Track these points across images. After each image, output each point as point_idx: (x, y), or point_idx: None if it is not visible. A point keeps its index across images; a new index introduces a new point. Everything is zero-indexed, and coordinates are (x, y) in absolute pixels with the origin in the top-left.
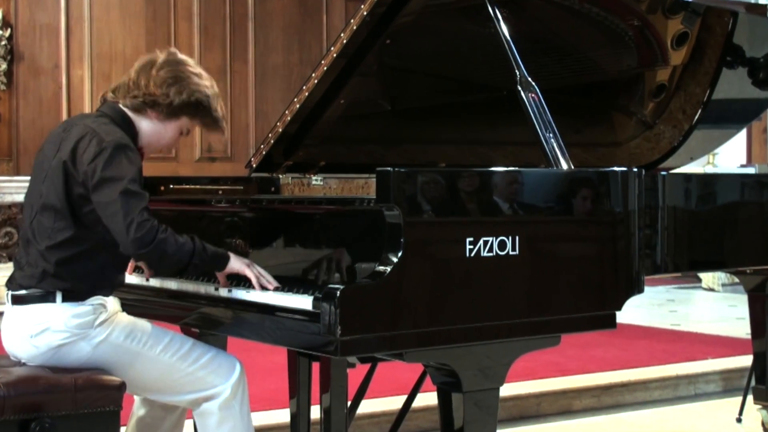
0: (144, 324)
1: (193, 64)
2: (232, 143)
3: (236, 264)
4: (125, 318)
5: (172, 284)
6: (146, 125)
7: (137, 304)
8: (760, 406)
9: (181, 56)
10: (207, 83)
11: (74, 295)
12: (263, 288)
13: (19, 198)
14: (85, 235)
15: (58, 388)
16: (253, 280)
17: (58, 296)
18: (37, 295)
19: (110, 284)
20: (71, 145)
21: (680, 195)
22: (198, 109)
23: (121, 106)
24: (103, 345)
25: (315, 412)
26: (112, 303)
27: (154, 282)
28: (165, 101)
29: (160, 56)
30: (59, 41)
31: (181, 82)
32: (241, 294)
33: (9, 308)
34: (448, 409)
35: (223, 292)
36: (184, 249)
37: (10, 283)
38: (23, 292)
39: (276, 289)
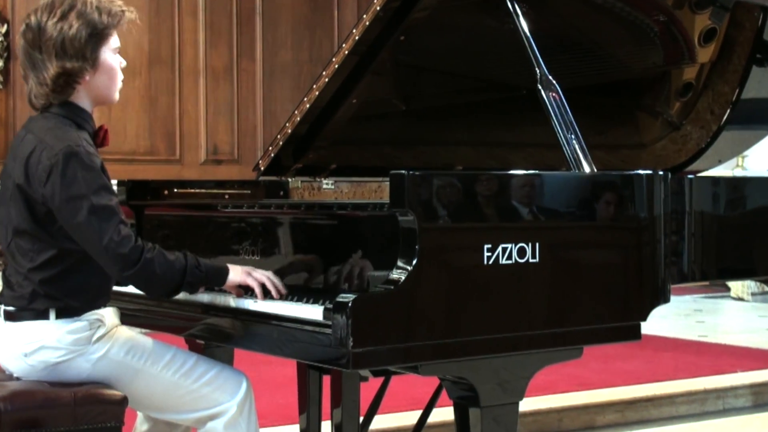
0: (145, 339)
1: (46, 13)
2: (239, 145)
3: (237, 276)
4: (125, 332)
5: None
6: (90, 91)
7: (138, 314)
8: None
9: (33, 16)
10: (76, 4)
11: (68, 311)
12: (268, 296)
13: None
14: (67, 250)
15: (56, 402)
16: (257, 290)
17: (52, 314)
18: (30, 311)
19: (104, 294)
20: (23, 163)
21: (708, 199)
22: (98, 29)
23: (55, 100)
24: (102, 362)
25: (326, 428)
26: (111, 316)
27: None
28: (78, 61)
29: (22, 40)
30: None
31: (63, 37)
32: (247, 304)
33: (2, 324)
34: (465, 425)
35: (229, 302)
36: (175, 268)
37: (2, 298)
38: (15, 308)
39: (284, 298)
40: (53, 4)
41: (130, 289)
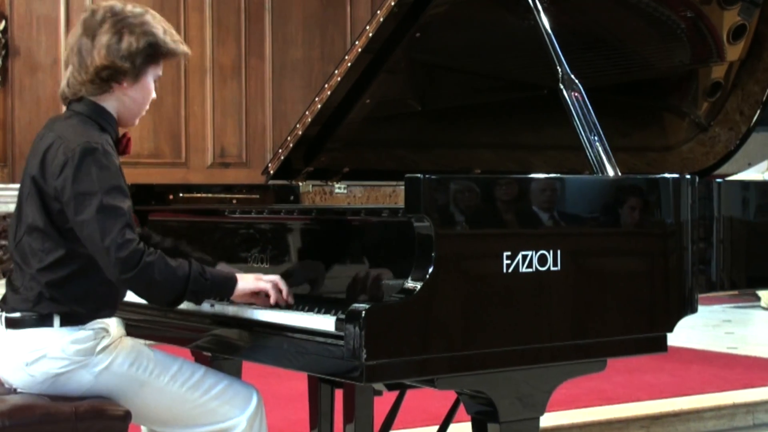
0: (150, 350)
1: (119, 6)
2: (248, 147)
3: (247, 285)
4: (129, 343)
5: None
6: (121, 102)
7: (143, 325)
8: None
9: (100, 10)
10: (145, 17)
11: (73, 318)
12: (277, 305)
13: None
14: (77, 252)
15: (57, 417)
16: (271, 293)
17: (56, 320)
18: (33, 318)
19: (112, 304)
20: (39, 157)
21: (737, 204)
22: (155, 50)
23: (87, 97)
24: (106, 374)
25: None
26: (116, 326)
27: None
28: (124, 66)
29: (78, 29)
30: (58, 35)
31: (121, 36)
32: (256, 314)
33: (2, 332)
34: None
35: (237, 312)
36: (177, 275)
37: (4, 305)
38: (18, 315)
39: (293, 308)
40: (125, 6)
41: (134, 298)
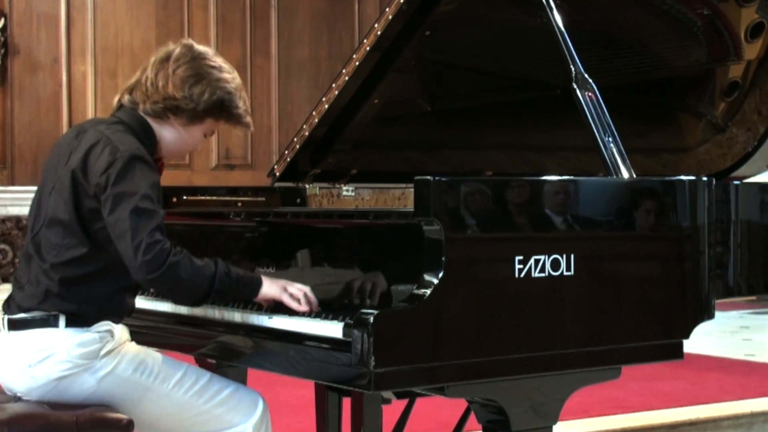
0: (155, 355)
1: (211, 56)
2: (253, 149)
3: (270, 290)
4: (134, 348)
5: (184, 309)
6: (168, 133)
7: (146, 331)
8: None
9: (198, 48)
10: (228, 77)
11: (79, 319)
12: (304, 313)
13: (14, 211)
14: (97, 254)
15: (58, 426)
16: (293, 306)
17: (62, 320)
18: (38, 318)
19: (120, 310)
20: (82, 153)
21: (755, 207)
22: (222, 108)
23: (140, 112)
24: (109, 378)
25: None
26: (120, 331)
27: (165, 306)
28: (188, 106)
29: (176, 49)
30: (59, 33)
31: (201, 81)
32: (261, 320)
33: (4, 334)
34: None
35: (242, 318)
36: (203, 274)
37: (8, 306)
38: (22, 315)
39: (299, 314)
40: (221, 61)
41: (138, 304)
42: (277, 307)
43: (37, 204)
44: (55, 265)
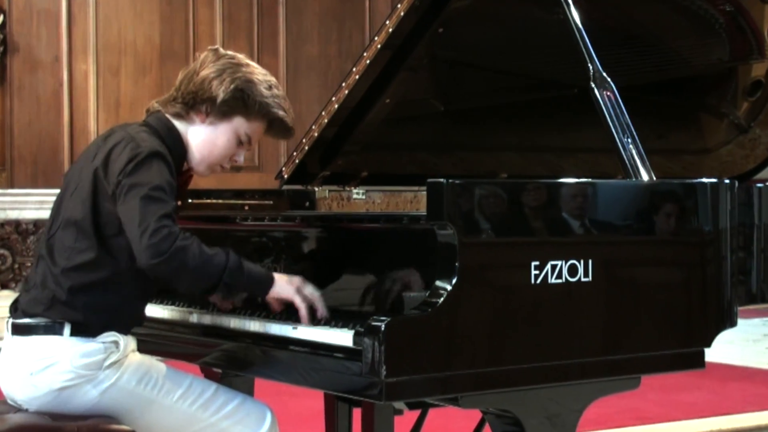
0: (159, 366)
1: (240, 57)
2: (260, 150)
3: (283, 289)
4: (138, 358)
5: (189, 316)
6: (194, 133)
7: (149, 339)
8: None
9: (226, 51)
10: (255, 70)
11: (85, 329)
12: (314, 320)
13: (14, 215)
14: (109, 261)
15: None
16: (302, 312)
17: (66, 328)
18: (42, 325)
19: (129, 321)
20: (106, 151)
21: None
22: (246, 99)
23: (166, 115)
24: (112, 390)
25: None
26: (127, 342)
27: (168, 313)
28: (206, 96)
29: (202, 56)
30: (60, 30)
31: (222, 73)
32: (269, 327)
33: (8, 338)
34: None
35: (248, 325)
36: (212, 262)
37: (14, 309)
38: (26, 320)
39: (317, 321)
40: (252, 63)
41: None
42: (284, 313)
43: (57, 207)
44: (65, 270)
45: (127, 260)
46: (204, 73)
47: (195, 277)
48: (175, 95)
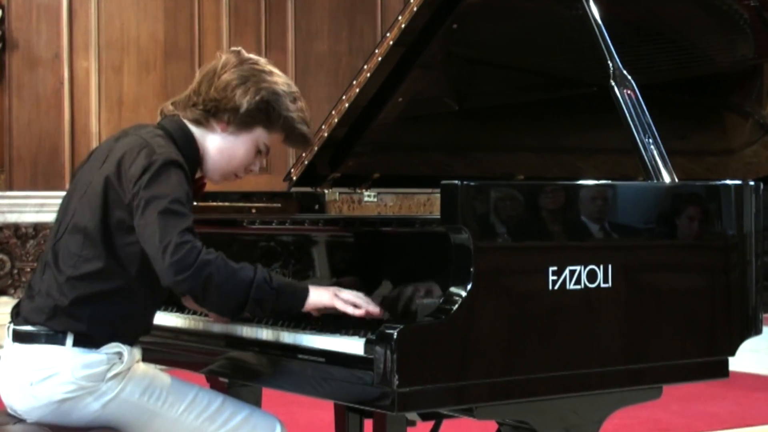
0: (163, 377)
1: (263, 63)
2: None
3: (320, 297)
4: (141, 369)
5: (195, 323)
6: (212, 141)
7: (153, 347)
8: None
9: (249, 55)
10: (280, 80)
11: (88, 339)
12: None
13: (13, 218)
14: (117, 271)
15: None
16: (349, 311)
17: (69, 339)
18: (44, 334)
19: (134, 332)
20: (118, 157)
21: None
22: (270, 113)
23: (183, 120)
24: (114, 402)
25: None
26: (131, 353)
27: (173, 321)
28: (229, 105)
29: (223, 57)
30: (60, 26)
31: (246, 82)
32: (277, 335)
33: (9, 345)
34: None
35: (254, 333)
36: (239, 277)
37: (16, 315)
38: (28, 327)
39: (318, 329)
40: (272, 68)
41: None
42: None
43: (63, 209)
44: (71, 278)
45: (136, 270)
46: (226, 78)
47: (222, 292)
48: (194, 100)
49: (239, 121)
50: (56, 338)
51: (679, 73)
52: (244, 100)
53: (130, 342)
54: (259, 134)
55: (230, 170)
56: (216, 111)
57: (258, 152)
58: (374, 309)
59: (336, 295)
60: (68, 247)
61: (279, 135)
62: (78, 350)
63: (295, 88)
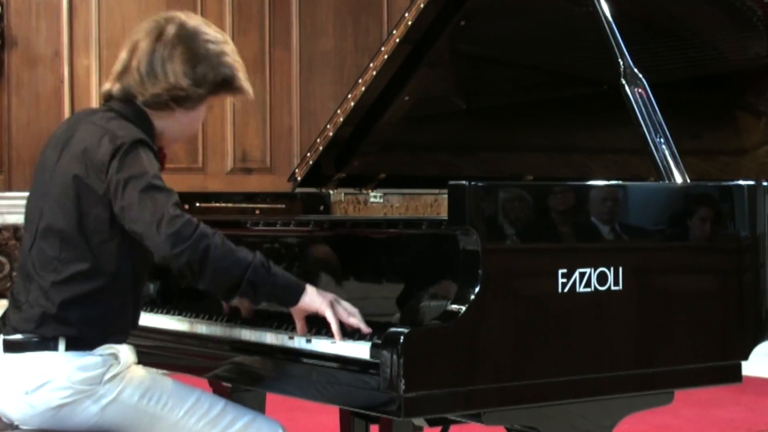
0: (164, 380)
1: (206, 28)
2: (272, 151)
3: (314, 300)
4: (140, 372)
5: (198, 326)
6: (169, 123)
7: (155, 351)
8: None
9: (190, 23)
10: (228, 49)
11: (81, 342)
12: (346, 334)
13: (12, 219)
14: (100, 269)
15: None
16: (333, 327)
17: (61, 344)
18: (35, 341)
19: (124, 328)
20: (79, 151)
21: None
22: (224, 85)
23: (139, 104)
24: (113, 406)
25: None
26: (127, 353)
27: (176, 325)
28: (194, 93)
29: (166, 28)
30: (60, 23)
31: (202, 61)
32: (281, 340)
33: (0, 356)
34: None
35: (259, 337)
36: (236, 256)
37: (4, 325)
38: (18, 337)
39: (322, 333)
40: (207, 30)
41: (144, 322)
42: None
43: (29, 213)
44: (55, 283)
45: (119, 265)
46: (180, 57)
47: (219, 269)
48: (151, 87)
49: (198, 100)
50: (48, 344)
51: (691, 71)
52: (206, 82)
53: (121, 339)
54: (210, 100)
55: (183, 137)
56: (180, 99)
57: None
58: (365, 329)
59: (331, 304)
60: (45, 252)
61: (225, 96)
62: (71, 354)
63: (233, 47)
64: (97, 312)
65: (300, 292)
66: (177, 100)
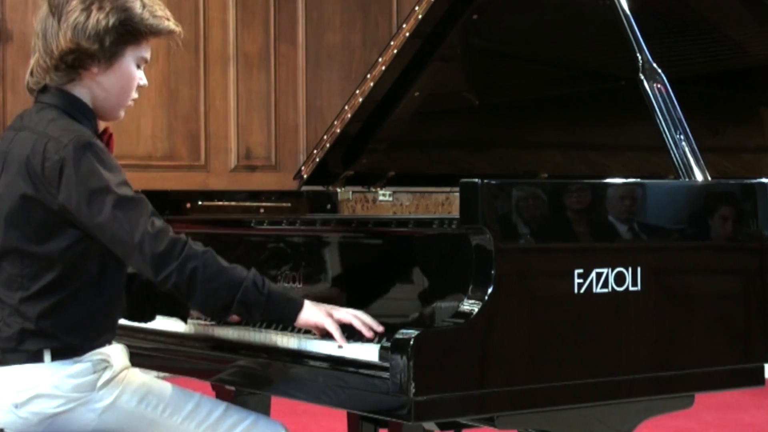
0: (163, 384)
1: None
2: (277, 148)
3: (311, 315)
4: (138, 376)
5: (201, 329)
6: (96, 90)
7: (155, 355)
8: None
9: None
10: None
11: (67, 351)
12: (354, 338)
13: None
14: (70, 274)
15: None
16: (335, 334)
17: (47, 355)
18: (19, 356)
19: (110, 328)
20: (21, 165)
21: None
22: (130, 30)
23: (51, 86)
24: (111, 411)
25: None
26: (119, 356)
27: (178, 327)
28: (93, 47)
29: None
30: None
31: (90, 14)
32: (286, 341)
33: None
34: None
35: (264, 339)
36: (227, 276)
37: None
38: (1, 351)
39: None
40: None
41: (145, 323)
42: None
43: None
44: (24, 300)
45: (93, 265)
46: (67, 17)
47: (207, 289)
48: (51, 62)
49: (106, 57)
50: (34, 357)
51: (711, 66)
52: (101, 30)
53: (107, 340)
54: (130, 53)
55: (124, 101)
56: (77, 61)
57: (138, 67)
58: (368, 333)
59: (329, 315)
60: (7, 272)
61: (147, 42)
62: (58, 364)
63: None
64: (79, 316)
65: (297, 309)
66: (79, 62)
